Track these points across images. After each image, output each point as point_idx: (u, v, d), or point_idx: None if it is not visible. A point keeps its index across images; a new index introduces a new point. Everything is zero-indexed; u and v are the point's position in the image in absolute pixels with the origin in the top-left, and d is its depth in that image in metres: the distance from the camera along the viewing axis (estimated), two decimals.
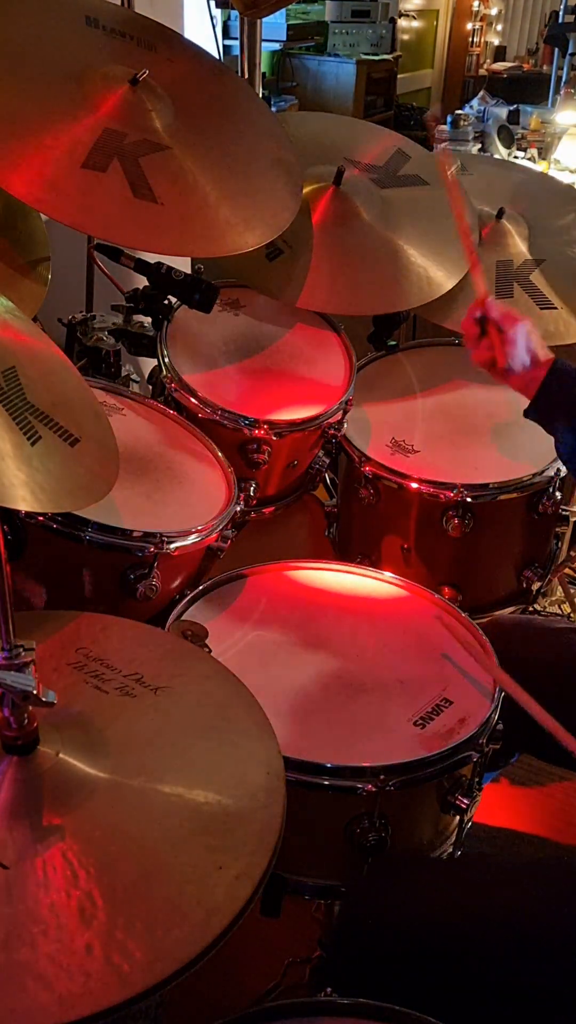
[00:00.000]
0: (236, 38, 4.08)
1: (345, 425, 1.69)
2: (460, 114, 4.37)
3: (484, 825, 1.93)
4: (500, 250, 1.91)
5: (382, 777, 1.11)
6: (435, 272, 1.77)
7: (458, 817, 1.24)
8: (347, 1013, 0.89)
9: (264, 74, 5.40)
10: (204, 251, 1.58)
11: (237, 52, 2.29)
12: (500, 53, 7.62)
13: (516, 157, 4.23)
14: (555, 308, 1.85)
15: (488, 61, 7.59)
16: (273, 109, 3.53)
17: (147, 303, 1.71)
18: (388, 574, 1.49)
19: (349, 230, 1.77)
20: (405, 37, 6.78)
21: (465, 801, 1.19)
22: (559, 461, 1.56)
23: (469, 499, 1.61)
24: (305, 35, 5.84)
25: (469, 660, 1.32)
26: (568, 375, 1.35)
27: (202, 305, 1.61)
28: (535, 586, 1.80)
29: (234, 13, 3.99)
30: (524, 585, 1.79)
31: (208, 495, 1.46)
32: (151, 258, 1.62)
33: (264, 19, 2.18)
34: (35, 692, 0.84)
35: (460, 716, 1.22)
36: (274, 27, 5.40)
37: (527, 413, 1.40)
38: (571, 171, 3.91)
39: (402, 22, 6.63)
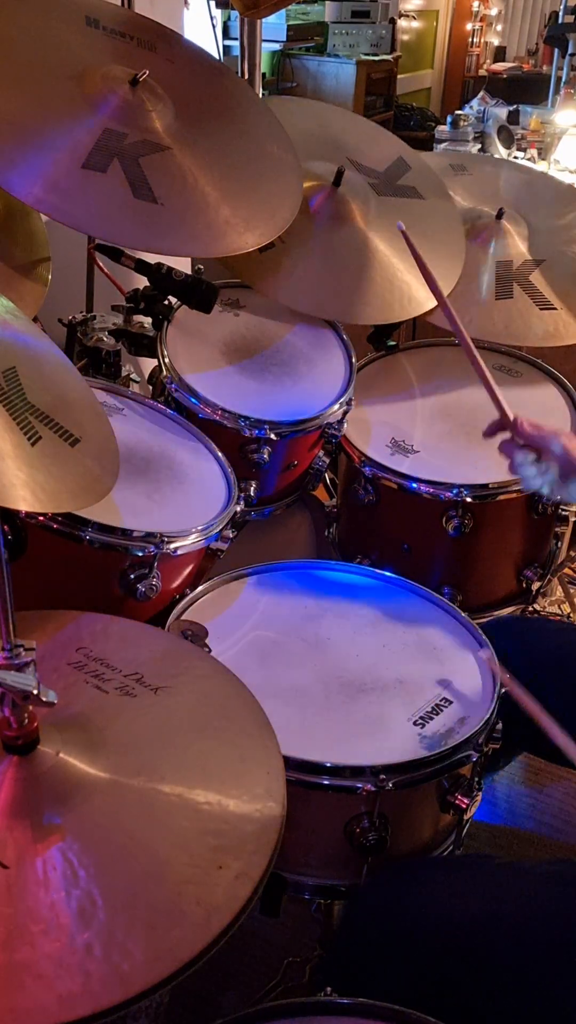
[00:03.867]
0: (236, 38, 4.08)
1: (345, 425, 1.69)
2: (460, 114, 4.37)
3: (484, 825, 1.93)
4: (500, 250, 1.91)
5: (382, 777, 1.11)
6: (417, 291, 1.76)
7: (458, 817, 1.24)
8: (347, 1013, 0.89)
9: (264, 74, 5.40)
10: (204, 251, 1.58)
11: (237, 52, 2.29)
12: (500, 53, 7.62)
13: (516, 157, 4.22)
14: (554, 309, 1.85)
15: (488, 61, 7.59)
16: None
17: (147, 303, 1.71)
18: (388, 574, 1.49)
19: (341, 233, 1.76)
20: (405, 37, 6.78)
21: (465, 801, 1.19)
22: None
23: (469, 499, 1.61)
24: (305, 35, 5.84)
25: (469, 660, 1.32)
26: None
27: (202, 305, 1.61)
28: (535, 586, 1.80)
29: (234, 13, 3.99)
30: (524, 585, 1.79)
31: (208, 495, 1.46)
32: (151, 258, 1.62)
33: (264, 19, 2.18)
34: (35, 692, 0.84)
35: (460, 716, 1.22)
36: (274, 27, 5.39)
37: None
38: (571, 171, 3.91)
39: (402, 22, 6.63)
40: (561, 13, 4.88)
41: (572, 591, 2.38)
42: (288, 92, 5.72)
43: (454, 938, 1.02)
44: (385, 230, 1.80)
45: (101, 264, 1.98)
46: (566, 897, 1.06)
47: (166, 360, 1.63)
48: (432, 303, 1.75)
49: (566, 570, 2.19)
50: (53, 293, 1.56)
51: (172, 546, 1.30)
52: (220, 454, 1.54)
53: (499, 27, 7.75)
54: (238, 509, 1.45)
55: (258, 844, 0.86)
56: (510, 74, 6.81)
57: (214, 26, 3.18)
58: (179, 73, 1.66)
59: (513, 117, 4.54)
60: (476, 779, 1.23)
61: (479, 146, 4.31)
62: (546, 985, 0.99)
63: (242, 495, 1.49)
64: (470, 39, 7.58)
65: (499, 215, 1.94)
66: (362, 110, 5.97)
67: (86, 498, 1.16)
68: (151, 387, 1.75)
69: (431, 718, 1.22)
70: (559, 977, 0.99)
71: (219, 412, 1.57)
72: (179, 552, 1.31)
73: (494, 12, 7.63)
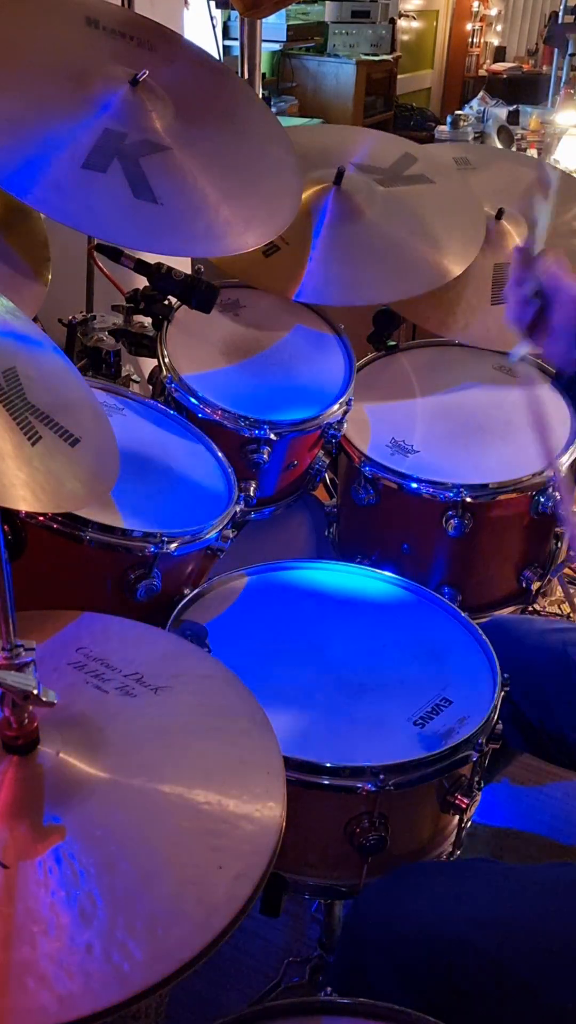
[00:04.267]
0: (236, 38, 4.08)
1: (345, 425, 1.69)
2: (460, 114, 4.38)
3: (485, 825, 1.93)
4: (498, 253, 1.91)
5: (382, 777, 1.11)
6: (441, 259, 1.77)
7: (458, 817, 1.24)
8: (347, 1013, 0.89)
9: (264, 74, 5.40)
10: (204, 251, 1.58)
11: (237, 52, 2.29)
12: (500, 54, 7.62)
13: None
14: None
15: (488, 61, 7.59)
16: (273, 109, 3.54)
17: (147, 303, 1.71)
18: (388, 574, 1.49)
19: (352, 228, 1.76)
20: (405, 37, 6.78)
21: (465, 801, 1.19)
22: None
23: (469, 499, 1.61)
24: (305, 35, 5.83)
25: (469, 660, 1.32)
26: None
27: (202, 305, 1.61)
28: (535, 586, 1.80)
29: (234, 13, 3.99)
30: (524, 585, 1.79)
31: (208, 495, 1.46)
32: (151, 258, 1.62)
33: (264, 19, 2.18)
34: (35, 692, 0.84)
35: (460, 716, 1.22)
36: (274, 27, 5.39)
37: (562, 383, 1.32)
38: (571, 172, 3.91)
39: (402, 22, 6.63)
40: (561, 13, 4.88)
41: (572, 591, 2.38)
42: (288, 92, 5.72)
43: (455, 941, 1.02)
44: (397, 215, 1.81)
45: (101, 264, 1.98)
46: (568, 900, 1.06)
47: (166, 360, 1.63)
48: (459, 269, 1.77)
49: (566, 570, 2.19)
50: (53, 293, 1.56)
51: (172, 546, 1.30)
52: (220, 454, 1.54)
53: (499, 27, 7.75)
54: (238, 509, 1.45)
55: (258, 844, 0.86)
56: (510, 74, 6.82)
57: (214, 26, 3.18)
58: (179, 73, 1.66)
59: (513, 117, 4.55)
60: (476, 779, 1.22)
61: None
62: (548, 988, 0.99)
63: (242, 495, 1.49)
64: (470, 39, 7.58)
65: (499, 215, 1.93)
66: (362, 110, 5.97)
67: (86, 498, 1.16)
68: (151, 387, 1.75)
69: (431, 718, 1.21)
70: (561, 980, 0.99)
71: (219, 412, 1.57)
72: (179, 552, 1.31)
73: (494, 12, 7.63)
